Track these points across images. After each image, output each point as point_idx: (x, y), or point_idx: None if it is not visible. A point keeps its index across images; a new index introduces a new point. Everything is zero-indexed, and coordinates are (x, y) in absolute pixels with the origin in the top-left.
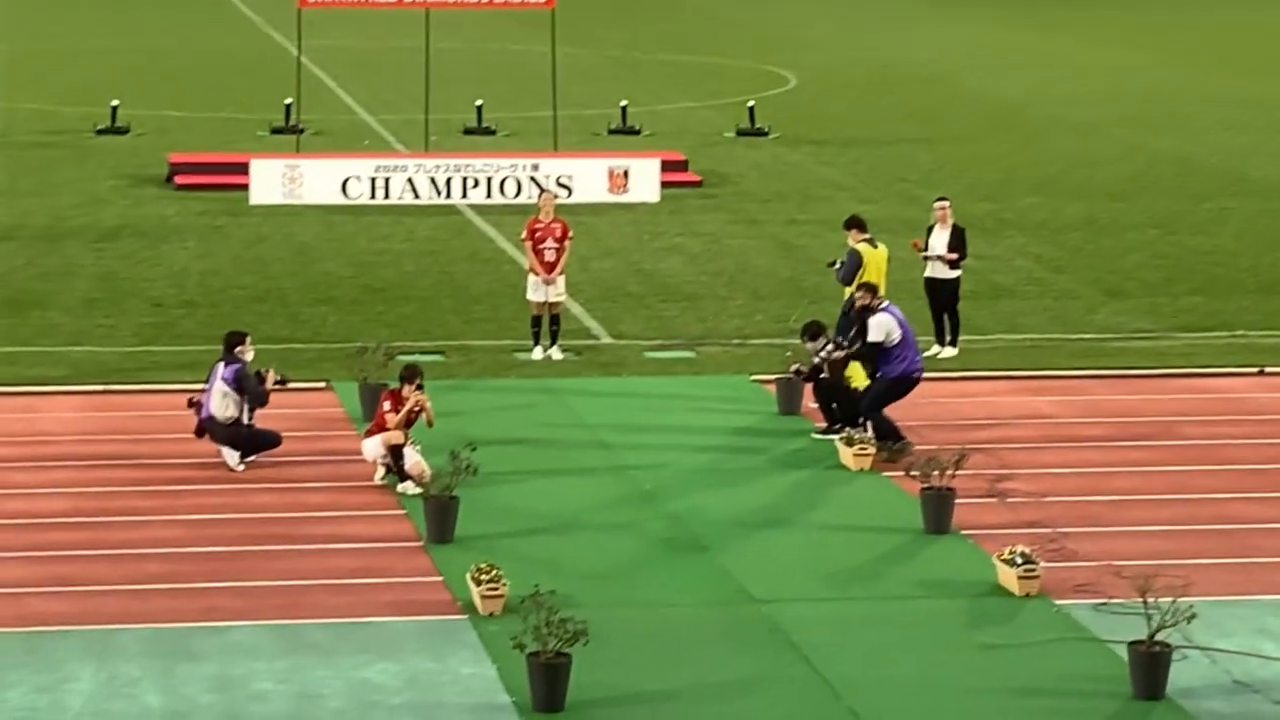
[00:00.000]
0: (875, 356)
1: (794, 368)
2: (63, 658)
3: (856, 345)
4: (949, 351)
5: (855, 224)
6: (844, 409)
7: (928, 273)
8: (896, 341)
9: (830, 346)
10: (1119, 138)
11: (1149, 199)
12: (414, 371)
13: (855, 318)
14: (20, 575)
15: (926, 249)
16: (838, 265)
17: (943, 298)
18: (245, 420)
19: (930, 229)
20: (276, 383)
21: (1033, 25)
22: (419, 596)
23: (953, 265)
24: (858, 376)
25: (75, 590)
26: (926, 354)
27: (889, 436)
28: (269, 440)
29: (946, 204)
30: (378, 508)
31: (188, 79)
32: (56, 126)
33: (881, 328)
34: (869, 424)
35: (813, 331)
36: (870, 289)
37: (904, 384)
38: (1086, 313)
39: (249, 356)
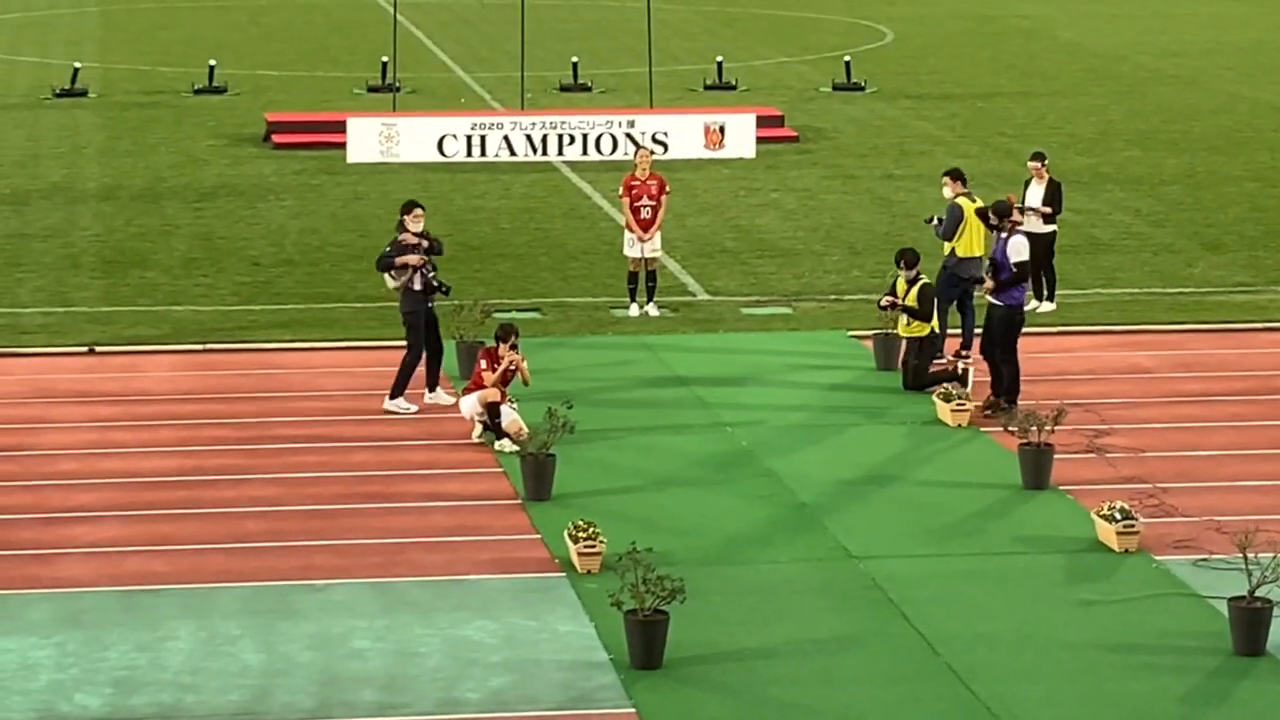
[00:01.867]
0: (1021, 279)
1: (884, 301)
2: (162, 616)
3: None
4: (1047, 306)
5: (957, 175)
6: (919, 365)
7: (1023, 228)
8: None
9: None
10: (1219, 89)
11: (1249, 152)
12: (508, 330)
13: (997, 236)
14: (120, 534)
15: (1022, 204)
16: (935, 221)
17: (1038, 253)
18: (417, 286)
19: (1026, 184)
20: (436, 286)
21: None
22: (516, 554)
23: (1048, 219)
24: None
25: (174, 549)
26: (1026, 309)
27: (1014, 389)
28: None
29: (1040, 164)
30: (475, 465)
31: (284, 38)
32: (154, 86)
33: (1025, 247)
34: (1003, 368)
35: (909, 259)
36: (1003, 210)
37: (1023, 313)
38: (1185, 267)
39: (412, 227)
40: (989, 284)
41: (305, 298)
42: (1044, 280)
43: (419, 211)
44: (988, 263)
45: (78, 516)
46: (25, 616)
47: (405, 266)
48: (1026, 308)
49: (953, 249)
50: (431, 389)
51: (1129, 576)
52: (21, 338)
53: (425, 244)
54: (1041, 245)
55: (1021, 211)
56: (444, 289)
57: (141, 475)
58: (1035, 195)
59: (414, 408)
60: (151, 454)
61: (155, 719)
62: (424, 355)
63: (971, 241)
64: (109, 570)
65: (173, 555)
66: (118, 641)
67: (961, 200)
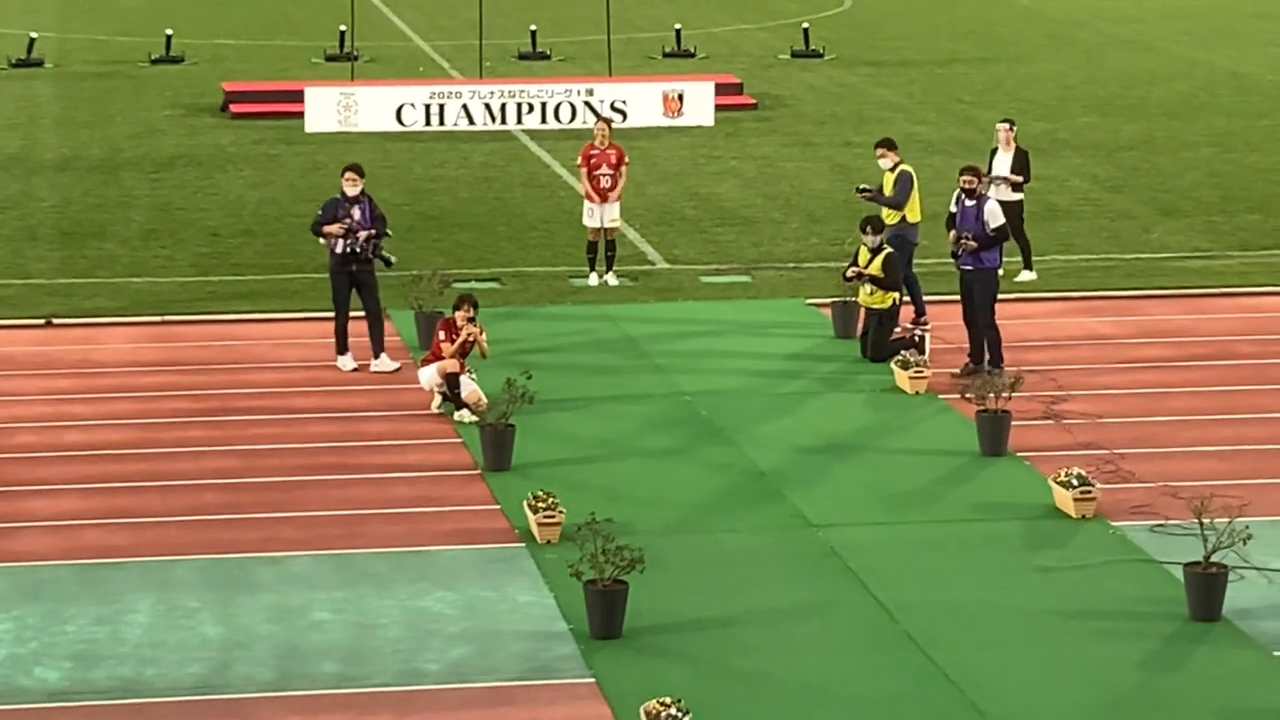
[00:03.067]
0: (1002, 239)
1: (849, 273)
2: (121, 589)
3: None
4: (1027, 275)
5: (893, 144)
6: (879, 338)
7: (990, 195)
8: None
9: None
10: (1176, 55)
11: (1206, 117)
12: (464, 298)
13: (960, 203)
14: (78, 507)
15: (989, 172)
16: (870, 193)
17: (1008, 221)
18: (338, 249)
19: (993, 151)
20: (379, 256)
21: None
22: (476, 525)
23: (1016, 188)
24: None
25: (133, 521)
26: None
27: (999, 354)
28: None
29: (1008, 126)
30: (434, 436)
31: (242, 7)
32: (111, 56)
33: (1000, 210)
34: (987, 333)
35: (876, 226)
36: (978, 173)
37: (999, 276)
38: (1142, 232)
39: (348, 190)
40: (972, 243)
41: (264, 269)
42: (1019, 248)
43: (350, 175)
44: (955, 231)
45: (36, 490)
46: None
47: (321, 234)
48: (1019, 278)
49: (903, 216)
50: (376, 355)
51: (1086, 543)
52: None
53: (355, 219)
54: (1010, 214)
55: (990, 181)
56: (387, 261)
57: (100, 448)
58: (1003, 162)
59: (350, 365)
60: (110, 426)
61: (115, 692)
62: (363, 318)
63: (918, 207)
64: (68, 543)
65: (132, 528)
66: (77, 615)
67: (907, 166)
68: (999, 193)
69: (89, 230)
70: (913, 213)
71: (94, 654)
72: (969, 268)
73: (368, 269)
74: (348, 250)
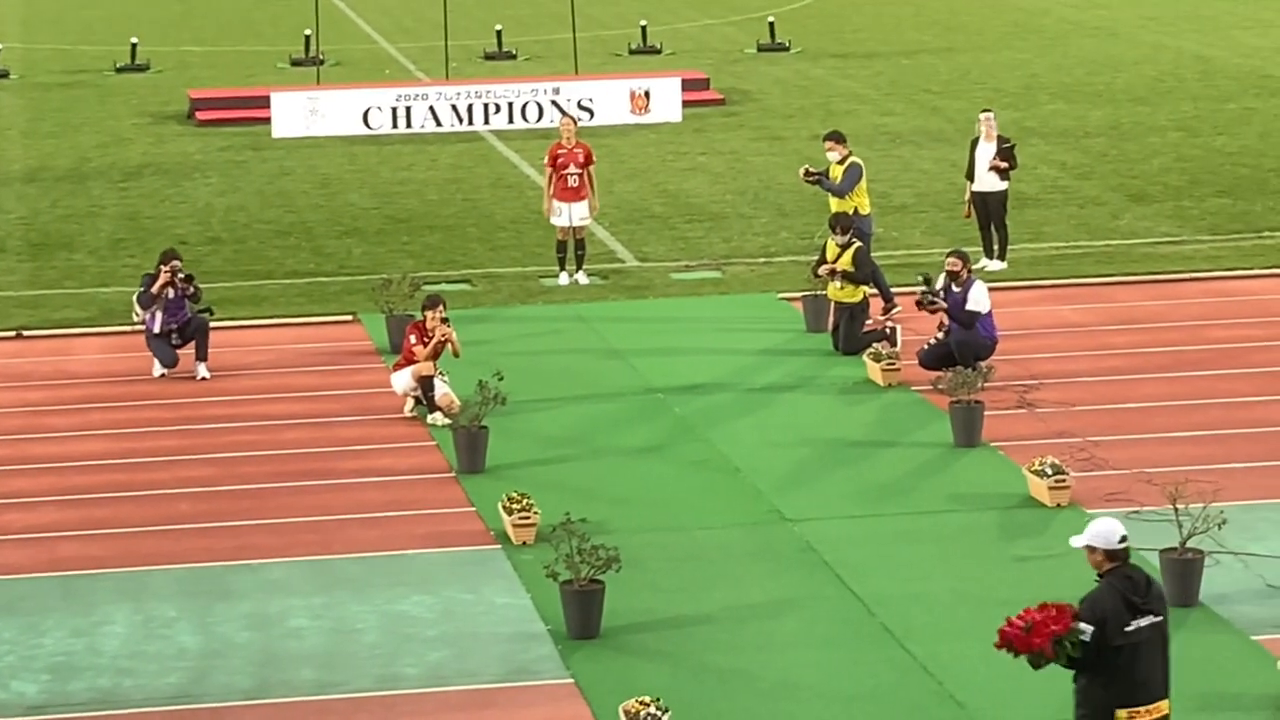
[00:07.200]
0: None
1: (821, 270)
2: (97, 601)
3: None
4: (996, 265)
5: (841, 138)
6: (850, 331)
7: (976, 186)
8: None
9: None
10: (1141, 40)
11: (1172, 102)
12: (435, 300)
13: (944, 289)
14: (52, 519)
15: (971, 163)
16: (812, 172)
17: (991, 211)
18: (156, 329)
19: (974, 142)
20: (188, 295)
21: None
22: (451, 527)
23: (1002, 176)
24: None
25: (108, 532)
26: (975, 266)
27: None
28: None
29: (991, 115)
30: (408, 440)
31: (206, 13)
32: (76, 66)
33: (986, 297)
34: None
35: (844, 224)
36: (964, 257)
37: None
38: (1111, 219)
39: (164, 279)
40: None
41: (233, 275)
42: (995, 238)
43: (173, 263)
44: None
45: (11, 502)
46: None
47: (154, 300)
48: (976, 265)
49: (855, 208)
50: (199, 360)
51: (1062, 531)
52: None
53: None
54: (994, 203)
55: (1000, 171)
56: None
57: (74, 459)
58: (986, 152)
59: (160, 371)
60: (83, 437)
61: (93, 704)
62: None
63: (867, 199)
64: (43, 555)
65: (107, 539)
66: (54, 627)
67: (858, 159)
68: (982, 184)
69: (57, 241)
70: (863, 205)
71: (72, 666)
72: (965, 339)
73: (188, 320)
74: (166, 330)
